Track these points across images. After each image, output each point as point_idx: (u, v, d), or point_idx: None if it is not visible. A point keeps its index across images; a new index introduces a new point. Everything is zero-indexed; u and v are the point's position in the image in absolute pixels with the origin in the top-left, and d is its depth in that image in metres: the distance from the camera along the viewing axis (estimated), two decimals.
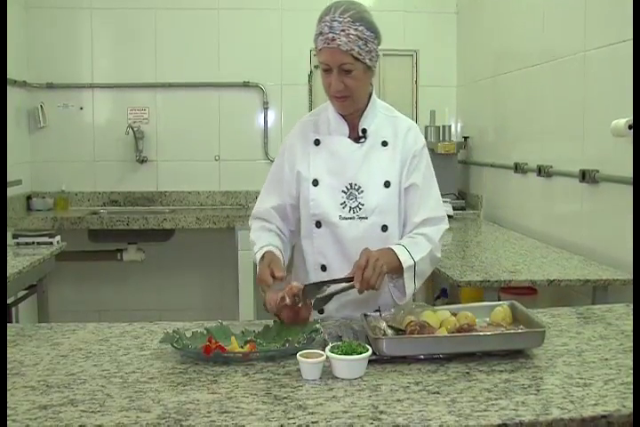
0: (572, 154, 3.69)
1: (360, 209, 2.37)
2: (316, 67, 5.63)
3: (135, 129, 5.53)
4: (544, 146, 4.12)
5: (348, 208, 2.37)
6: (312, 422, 1.47)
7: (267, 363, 1.87)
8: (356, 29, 2.23)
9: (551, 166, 3.95)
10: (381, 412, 1.52)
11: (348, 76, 2.27)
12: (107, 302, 5.58)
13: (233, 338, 1.97)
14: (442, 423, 1.47)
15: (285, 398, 1.62)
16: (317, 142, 2.43)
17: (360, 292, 2.14)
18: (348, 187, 2.38)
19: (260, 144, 5.73)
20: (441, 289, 5.14)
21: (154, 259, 5.53)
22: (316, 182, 2.39)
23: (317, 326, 2.03)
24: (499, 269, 3.19)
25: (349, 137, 2.42)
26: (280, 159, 2.51)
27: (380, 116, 2.45)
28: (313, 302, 2.12)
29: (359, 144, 2.41)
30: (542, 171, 4.00)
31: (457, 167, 5.50)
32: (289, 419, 1.49)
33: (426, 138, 5.45)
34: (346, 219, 2.37)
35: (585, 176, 3.44)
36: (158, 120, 5.66)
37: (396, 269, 2.26)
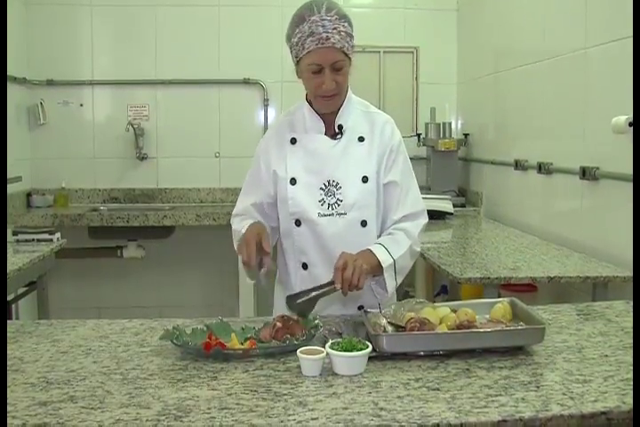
0: (572, 151, 3.69)
1: (339, 205, 2.38)
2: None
3: (135, 126, 5.53)
4: (544, 143, 4.11)
5: (326, 205, 2.38)
6: (312, 419, 1.47)
7: (267, 359, 1.87)
8: (344, 26, 2.25)
9: (551, 163, 3.94)
10: (381, 408, 1.53)
11: (338, 73, 2.28)
12: (107, 299, 5.58)
13: (233, 335, 1.97)
14: (442, 420, 1.47)
15: (285, 394, 1.62)
16: (294, 141, 2.44)
17: (344, 293, 2.15)
18: (326, 184, 2.38)
19: None
20: (441, 286, 5.15)
21: (154, 256, 5.53)
22: (293, 181, 2.39)
23: (317, 322, 2.04)
24: (499, 266, 3.18)
25: (326, 134, 2.43)
26: (257, 161, 2.52)
27: (356, 112, 2.46)
28: (297, 308, 2.12)
29: (336, 141, 2.42)
30: (542, 168, 4.00)
31: (457, 164, 5.50)
32: (289, 415, 1.49)
33: (426, 135, 5.52)
34: (325, 216, 2.38)
35: (585, 173, 3.44)
36: (158, 117, 5.65)
37: (377, 269, 2.28)
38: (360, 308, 2.37)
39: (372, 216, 2.41)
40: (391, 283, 2.32)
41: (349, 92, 2.45)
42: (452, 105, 5.84)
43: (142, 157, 5.60)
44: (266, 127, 5.70)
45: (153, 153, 5.65)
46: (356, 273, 2.12)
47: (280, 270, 2.57)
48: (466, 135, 5.54)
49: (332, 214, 2.37)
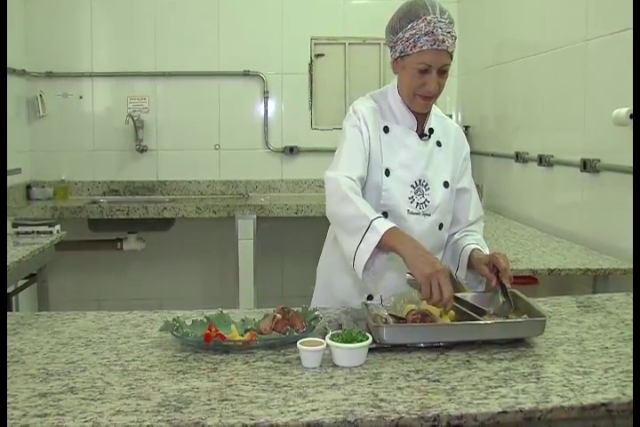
0: (573, 143, 3.68)
1: (426, 206, 2.37)
2: (317, 56, 5.64)
3: (135, 118, 5.52)
4: (545, 135, 4.11)
5: (415, 203, 2.37)
6: (312, 410, 1.47)
7: (267, 351, 1.87)
8: (454, 31, 2.25)
9: (552, 156, 3.94)
10: (381, 400, 1.53)
11: (442, 76, 2.26)
12: (106, 292, 5.59)
13: (233, 326, 1.98)
14: (442, 411, 1.47)
15: (285, 385, 1.62)
16: (387, 130, 2.38)
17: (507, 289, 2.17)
18: (417, 182, 2.37)
19: (261, 133, 5.72)
20: None
21: (154, 248, 5.53)
22: (387, 172, 2.35)
23: (317, 313, 2.04)
24: None
25: (416, 132, 2.41)
26: (356, 131, 2.35)
27: (433, 117, 2.45)
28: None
29: (424, 141, 2.40)
30: (543, 160, 4.00)
31: None
32: (289, 407, 1.49)
33: None
34: (413, 214, 2.36)
35: (586, 165, 3.44)
36: (158, 109, 5.64)
37: None
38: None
39: (447, 220, 2.44)
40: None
41: None
42: (453, 97, 5.84)
43: (142, 150, 5.60)
44: (266, 119, 5.71)
45: (153, 145, 5.65)
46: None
47: (330, 256, 2.51)
48: (466, 127, 5.52)
49: (419, 214, 2.37)
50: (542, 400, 1.52)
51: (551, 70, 3.97)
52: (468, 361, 1.79)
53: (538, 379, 1.66)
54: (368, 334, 1.80)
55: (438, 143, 2.42)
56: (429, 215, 2.38)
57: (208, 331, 1.90)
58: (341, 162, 2.28)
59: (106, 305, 5.42)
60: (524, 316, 2.01)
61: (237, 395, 1.56)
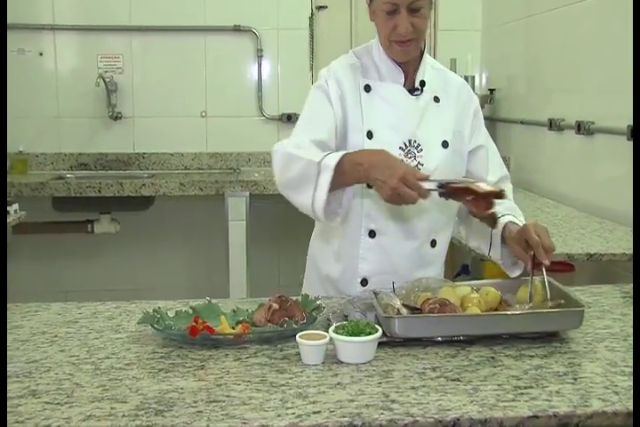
0: (617, 108, 3.67)
1: (419, 169, 2.34)
2: (318, 8, 5.61)
3: (107, 80, 5.50)
4: (584, 98, 4.10)
5: None
6: (314, 413, 1.48)
7: (262, 346, 1.88)
8: None
9: (592, 122, 3.92)
10: (393, 401, 1.54)
11: (415, 15, 2.26)
12: (74, 282, 5.59)
13: (223, 318, 1.98)
14: (462, 414, 1.48)
15: (283, 385, 1.63)
16: (368, 88, 2.41)
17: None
18: (407, 143, 2.38)
19: (254, 98, 5.71)
20: (462, 265, 5.15)
21: (130, 231, 5.53)
22: (370, 135, 2.36)
23: (319, 303, 2.05)
24: None
25: (404, 86, 2.42)
26: (322, 93, 2.41)
27: (429, 69, 2.47)
28: None
29: (414, 97, 2.41)
30: (582, 128, 3.98)
31: None
32: (287, 409, 1.50)
33: None
34: None
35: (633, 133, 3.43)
36: (134, 70, 5.63)
37: None
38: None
39: None
40: None
41: (424, 46, 2.46)
42: (476, 56, 5.80)
43: (116, 117, 5.59)
44: (260, 82, 5.69)
45: (128, 112, 5.64)
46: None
47: (341, 233, 2.50)
48: (491, 91, 5.52)
49: None
50: (580, 404, 1.53)
51: (593, 22, 3.95)
52: (492, 358, 1.80)
53: (575, 379, 1.67)
54: (377, 327, 1.81)
55: (436, 99, 2.43)
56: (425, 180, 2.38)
57: (194, 323, 1.91)
58: (295, 130, 2.37)
59: (74, 297, 5.40)
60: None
61: (228, 396, 1.57)
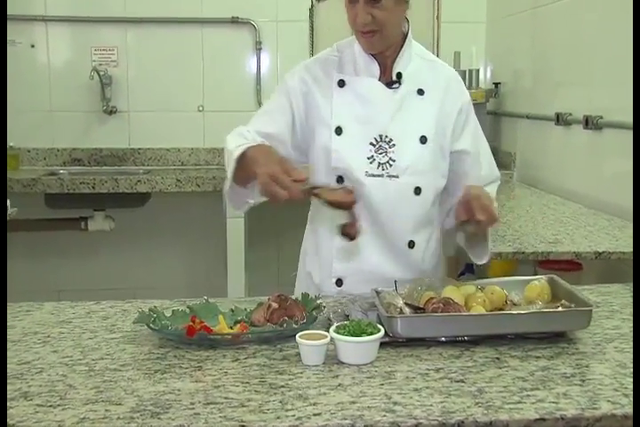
0: (626, 102, 3.65)
1: (390, 166, 2.38)
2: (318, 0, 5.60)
3: (101, 73, 5.50)
4: (592, 92, 4.09)
5: (376, 164, 2.38)
6: (314, 415, 1.48)
7: (260, 346, 1.88)
8: None
9: (601, 117, 3.92)
10: (395, 403, 1.54)
11: (375, 6, 2.27)
12: (68, 281, 5.59)
13: (221, 317, 1.99)
14: (467, 417, 1.48)
15: (283, 386, 1.63)
16: (342, 83, 2.43)
17: (484, 227, 2.19)
18: (378, 139, 2.39)
19: (252, 92, 5.71)
20: (465, 264, 5.14)
21: (125, 228, 5.54)
22: (339, 131, 2.38)
23: (320, 302, 2.05)
24: (535, 239, 3.18)
25: (380, 80, 2.43)
26: (283, 92, 2.49)
27: (416, 60, 2.47)
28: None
29: (392, 90, 2.42)
30: (590, 122, 3.97)
31: (486, 119, 5.45)
32: (287, 411, 1.50)
33: None
34: (373, 176, 2.38)
35: None
36: (129, 63, 5.63)
37: None
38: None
39: (427, 184, 2.42)
40: (489, 244, 2.36)
41: (409, 36, 2.45)
42: (481, 49, 5.79)
43: (110, 111, 5.59)
44: (259, 75, 5.69)
45: (123, 106, 5.64)
46: (492, 204, 2.19)
47: (316, 234, 2.56)
48: (496, 85, 5.52)
49: (382, 176, 2.38)
50: (589, 406, 1.53)
51: (601, 13, 3.94)
52: (498, 359, 1.80)
53: (583, 381, 1.66)
54: (380, 326, 1.81)
55: (420, 91, 2.42)
56: (397, 177, 2.38)
57: (191, 323, 1.91)
58: (250, 120, 2.49)
59: (67, 297, 5.33)
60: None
61: (226, 398, 1.57)
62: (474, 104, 5.20)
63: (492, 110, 5.56)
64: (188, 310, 2.05)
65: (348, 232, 2.09)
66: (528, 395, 1.58)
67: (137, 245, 5.66)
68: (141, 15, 5.56)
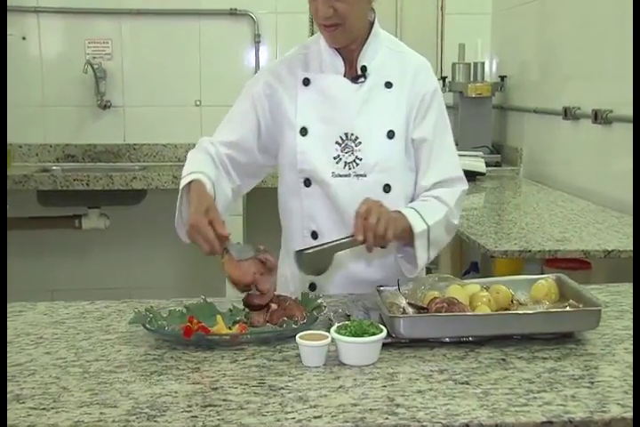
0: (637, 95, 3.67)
1: (357, 164, 2.37)
2: None
3: (95, 66, 5.49)
4: (602, 85, 4.09)
5: (342, 163, 2.38)
6: (314, 417, 1.49)
7: (260, 347, 1.89)
8: None
9: (611, 111, 3.92)
10: (398, 405, 1.54)
11: None
12: (61, 280, 5.59)
13: (219, 317, 1.99)
14: (472, 419, 1.48)
15: (282, 388, 1.63)
16: (307, 82, 2.42)
17: (369, 247, 2.13)
18: (343, 137, 2.38)
19: None
20: (471, 263, 5.16)
21: (120, 226, 5.53)
22: (304, 131, 2.39)
23: (320, 302, 2.05)
24: (542, 236, 3.19)
25: (345, 76, 2.42)
26: (247, 97, 2.51)
27: (384, 51, 2.45)
28: (306, 263, 2.13)
29: (357, 84, 2.41)
30: (599, 116, 3.98)
31: (491, 114, 5.48)
32: (287, 413, 1.50)
33: (453, 78, 5.50)
34: (340, 176, 2.38)
35: None
36: (124, 56, 5.62)
37: (406, 235, 2.26)
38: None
39: (397, 180, 2.41)
40: (422, 255, 2.30)
41: (376, 26, 2.43)
42: (486, 41, 5.79)
43: (105, 106, 5.58)
44: (257, 69, 5.66)
45: (118, 100, 5.63)
46: (383, 221, 2.11)
47: (288, 237, 2.57)
48: (502, 78, 5.52)
49: (349, 175, 2.38)
50: (597, 409, 1.53)
51: (611, 3, 3.94)
52: (503, 360, 1.80)
53: (592, 383, 1.66)
54: (382, 327, 1.81)
55: (387, 84, 2.41)
56: (364, 176, 2.37)
57: (188, 323, 1.91)
58: (218, 127, 2.58)
59: (60, 296, 5.35)
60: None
61: (224, 400, 1.57)
62: (479, 98, 5.31)
63: (498, 104, 5.56)
64: (185, 310, 2.05)
65: (250, 302, 2.08)
66: (535, 397, 1.58)
67: (132, 243, 5.66)
68: (137, 6, 5.55)
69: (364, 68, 2.41)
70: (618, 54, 3.88)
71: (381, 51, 2.44)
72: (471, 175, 4.71)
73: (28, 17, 5.52)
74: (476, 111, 5.35)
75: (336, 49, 2.40)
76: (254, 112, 2.46)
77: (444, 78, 5.60)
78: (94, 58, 5.54)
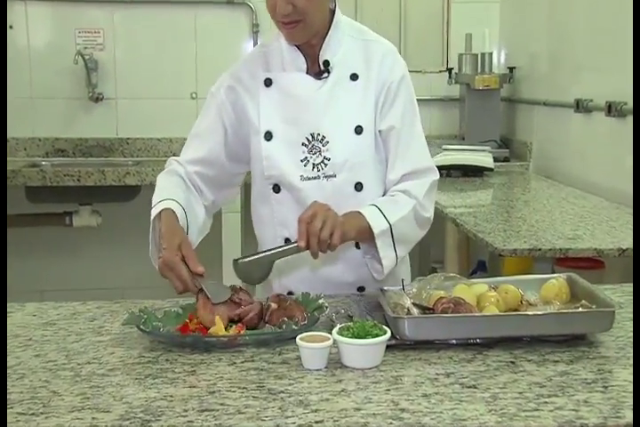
0: None
1: (326, 165, 2.37)
2: None
3: (86, 57, 5.48)
4: (616, 76, 4.08)
5: (310, 165, 2.37)
6: (316, 422, 1.49)
7: (259, 349, 1.89)
8: None
9: (625, 103, 3.91)
10: (403, 410, 1.54)
11: None
12: (52, 280, 5.59)
13: (217, 318, 1.98)
14: (480, 425, 1.48)
15: (282, 392, 1.63)
16: (268, 82, 2.41)
17: (313, 254, 2.12)
18: (310, 138, 2.37)
19: None
20: (478, 262, 5.16)
21: (113, 224, 5.52)
22: (269, 136, 2.38)
23: (322, 302, 2.05)
24: (553, 234, 3.19)
25: (308, 72, 2.40)
26: (209, 97, 2.54)
27: (348, 42, 2.42)
28: (242, 271, 2.14)
29: (321, 81, 2.39)
30: (613, 109, 3.97)
31: (500, 107, 5.47)
32: (287, 418, 1.50)
33: (460, 69, 5.49)
34: (309, 179, 2.37)
35: None
36: (117, 46, 5.62)
37: (366, 235, 2.27)
38: (360, 289, 2.41)
39: (369, 177, 2.40)
40: (388, 255, 2.30)
41: (337, 15, 2.40)
42: (494, 31, 5.79)
43: (96, 98, 5.57)
44: None
45: (110, 93, 5.63)
46: (328, 226, 2.09)
47: (260, 248, 2.56)
48: (511, 69, 5.51)
49: (319, 177, 2.37)
50: (611, 415, 1.53)
51: None
52: (512, 363, 1.80)
53: (605, 387, 1.66)
54: (386, 328, 1.81)
55: (353, 76, 2.39)
56: (334, 176, 2.37)
57: (188, 320, 1.92)
58: (185, 144, 2.60)
59: (50, 297, 5.34)
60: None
61: (222, 404, 1.58)
62: (487, 91, 5.30)
63: (507, 97, 5.56)
64: (180, 311, 2.06)
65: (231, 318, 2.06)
66: (545, 402, 1.58)
67: (126, 241, 5.63)
68: None
69: (326, 63, 2.39)
70: (631, 44, 3.87)
71: (345, 41, 2.41)
72: (478, 171, 4.74)
73: (16, 4, 5.49)
74: (483, 104, 5.34)
75: (296, 45, 2.38)
76: (221, 122, 2.45)
77: (450, 70, 5.60)
78: (85, 48, 5.53)
